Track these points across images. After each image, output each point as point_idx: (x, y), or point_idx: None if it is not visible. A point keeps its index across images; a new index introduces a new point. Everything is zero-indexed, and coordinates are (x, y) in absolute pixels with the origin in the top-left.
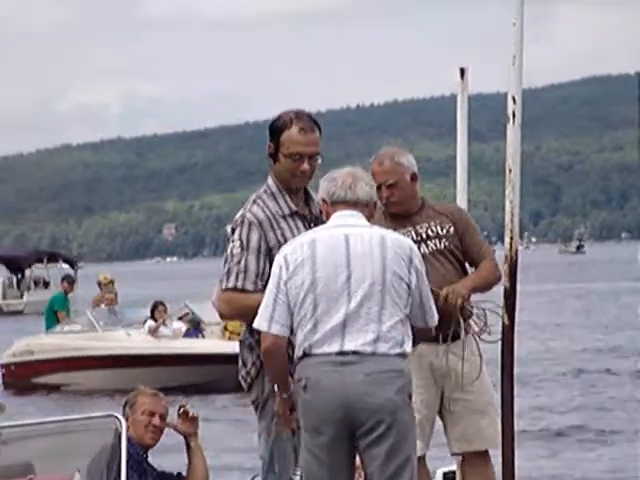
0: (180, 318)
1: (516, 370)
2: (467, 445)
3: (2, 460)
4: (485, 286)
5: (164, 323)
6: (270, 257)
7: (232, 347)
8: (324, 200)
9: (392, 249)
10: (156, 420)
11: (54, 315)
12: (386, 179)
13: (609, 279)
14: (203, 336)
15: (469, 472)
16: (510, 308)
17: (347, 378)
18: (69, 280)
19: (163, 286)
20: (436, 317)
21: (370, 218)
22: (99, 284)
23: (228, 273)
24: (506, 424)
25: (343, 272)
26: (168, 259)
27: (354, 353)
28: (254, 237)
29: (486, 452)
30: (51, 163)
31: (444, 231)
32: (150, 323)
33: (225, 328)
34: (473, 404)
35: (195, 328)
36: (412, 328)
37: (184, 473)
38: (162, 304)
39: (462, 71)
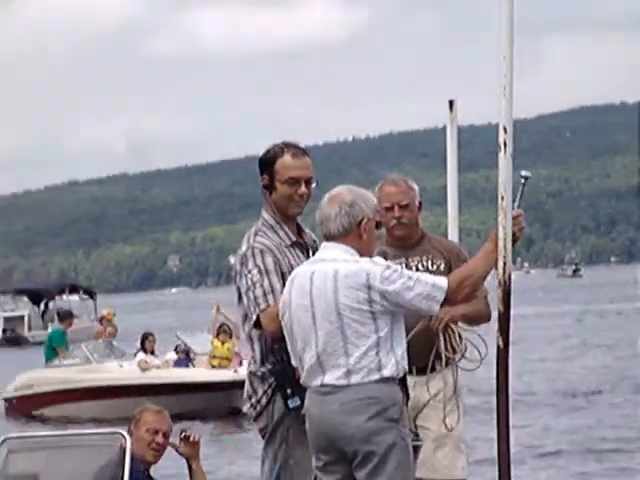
0: (175, 349)
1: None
2: (422, 471)
3: (11, 469)
4: (474, 316)
5: (153, 353)
6: (284, 281)
7: (217, 376)
8: None
9: (344, 282)
10: (159, 438)
11: (52, 350)
12: (401, 199)
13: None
14: (193, 365)
15: None
16: (504, 331)
17: (325, 408)
18: (67, 316)
19: (168, 315)
20: (435, 305)
21: (361, 238)
22: (101, 319)
23: (256, 300)
24: (502, 446)
25: (308, 311)
26: (174, 289)
27: (331, 386)
28: (269, 260)
29: None
30: (59, 199)
31: (434, 267)
32: (140, 356)
33: (213, 355)
34: (432, 433)
35: (186, 357)
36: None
37: None
38: (151, 335)
39: (451, 103)
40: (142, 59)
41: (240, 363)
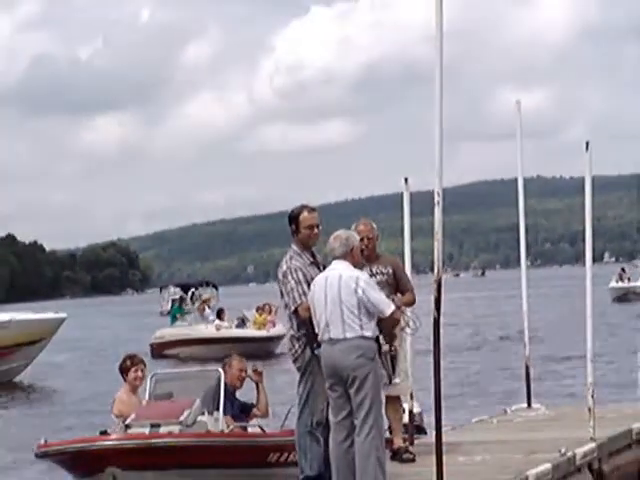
0: (238, 318)
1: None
2: (388, 391)
3: (157, 390)
4: (408, 302)
5: (223, 319)
6: (309, 286)
7: (258, 334)
8: None
9: (344, 281)
10: (243, 373)
11: (174, 317)
12: (367, 234)
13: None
14: (246, 327)
15: (388, 408)
16: (437, 308)
17: (332, 352)
18: (181, 300)
19: (245, 299)
20: (388, 310)
21: (353, 257)
22: (203, 301)
23: (294, 299)
24: (435, 380)
25: (322, 299)
26: (250, 285)
27: (335, 339)
28: (301, 275)
29: (398, 397)
30: (186, 234)
31: (384, 272)
32: (217, 322)
33: (254, 322)
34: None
35: (242, 323)
36: (380, 321)
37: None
38: (223, 310)
39: (406, 179)
40: (234, 153)
41: (273, 325)
